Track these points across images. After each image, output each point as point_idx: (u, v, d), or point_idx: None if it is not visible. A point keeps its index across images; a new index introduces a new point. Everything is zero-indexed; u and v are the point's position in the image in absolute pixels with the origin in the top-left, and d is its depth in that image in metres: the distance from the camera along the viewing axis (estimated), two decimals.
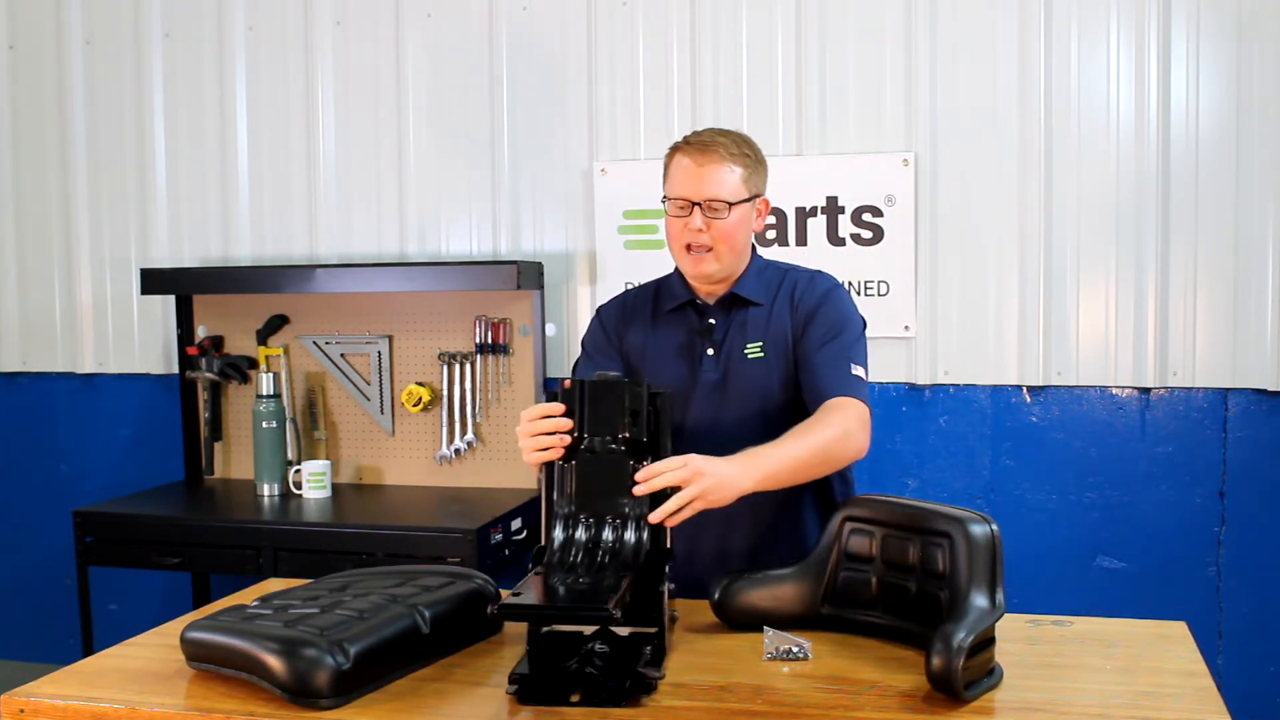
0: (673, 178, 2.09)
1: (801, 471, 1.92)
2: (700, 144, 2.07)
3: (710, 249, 2.06)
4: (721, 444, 1.90)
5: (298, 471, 3.50)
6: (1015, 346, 3.26)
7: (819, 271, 2.20)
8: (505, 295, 3.51)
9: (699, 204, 2.04)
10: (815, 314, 2.10)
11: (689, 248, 2.07)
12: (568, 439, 1.77)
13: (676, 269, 2.21)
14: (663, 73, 3.46)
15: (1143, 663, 1.70)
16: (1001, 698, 1.56)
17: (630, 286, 3.45)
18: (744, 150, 2.09)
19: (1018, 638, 1.79)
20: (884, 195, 3.31)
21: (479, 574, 1.89)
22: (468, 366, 3.57)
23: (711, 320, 2.14)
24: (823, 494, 2.14)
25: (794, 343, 2.10)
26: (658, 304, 2.20)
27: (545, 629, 1.67)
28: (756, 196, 2.11)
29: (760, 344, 2.11)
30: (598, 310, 2.29)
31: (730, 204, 2.05)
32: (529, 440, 1.77)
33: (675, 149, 2.12)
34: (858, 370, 2.05)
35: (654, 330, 2.18)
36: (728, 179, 2.05)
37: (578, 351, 3.50)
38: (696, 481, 1.72)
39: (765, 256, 2.21)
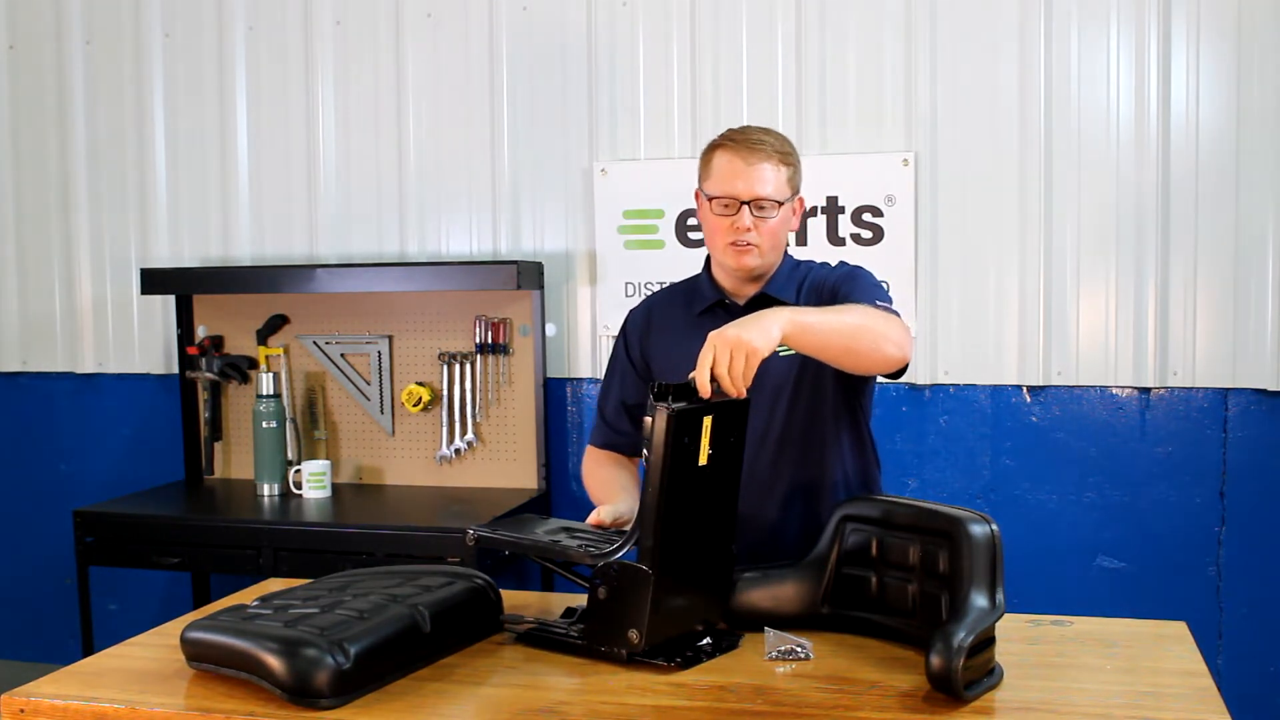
0: (717, 175, 2.07)
1: (835, 336, 1.86)
2: (747, 142, 2.06)
3: (756, 246, 2.06)
4: (756, 441, 1.94)
5: (298, 471, 3.49)
6: (1015, 346, 3.26)
7: (842, 262, 2.21)
8: (505, 295, 3.51)
9: (747, 203, 2.04)
10: (837, 282, 2.10)
11: (733, 243, 2.06)
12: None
13: (705, 269, 2.21)
14: (663, 73, 3.46)
15: (1143, 663, 1.70)
16: (1001, 698, 1.56)
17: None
18: (788, 149, 2.09)
19: (1018, 638, 1.79)
20: (884, 195, 3.31)
21: (479, 574, 1.89)
22: (468, 366, 3.57)
23: None
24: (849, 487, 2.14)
25: None
26: (688, 306, 2.20)
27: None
28: (795, 195, 2.12)
29: None
30: (625, 319, 2.29)
31: (779, 203, 2.06)
32: None
33: (717, 146, 2.10)
34: (885, 305, 2.02)
35: (684, 333, 2.16)
36: (774, 178, 2.05)
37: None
38: (716, 341, 1.72)
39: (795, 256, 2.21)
